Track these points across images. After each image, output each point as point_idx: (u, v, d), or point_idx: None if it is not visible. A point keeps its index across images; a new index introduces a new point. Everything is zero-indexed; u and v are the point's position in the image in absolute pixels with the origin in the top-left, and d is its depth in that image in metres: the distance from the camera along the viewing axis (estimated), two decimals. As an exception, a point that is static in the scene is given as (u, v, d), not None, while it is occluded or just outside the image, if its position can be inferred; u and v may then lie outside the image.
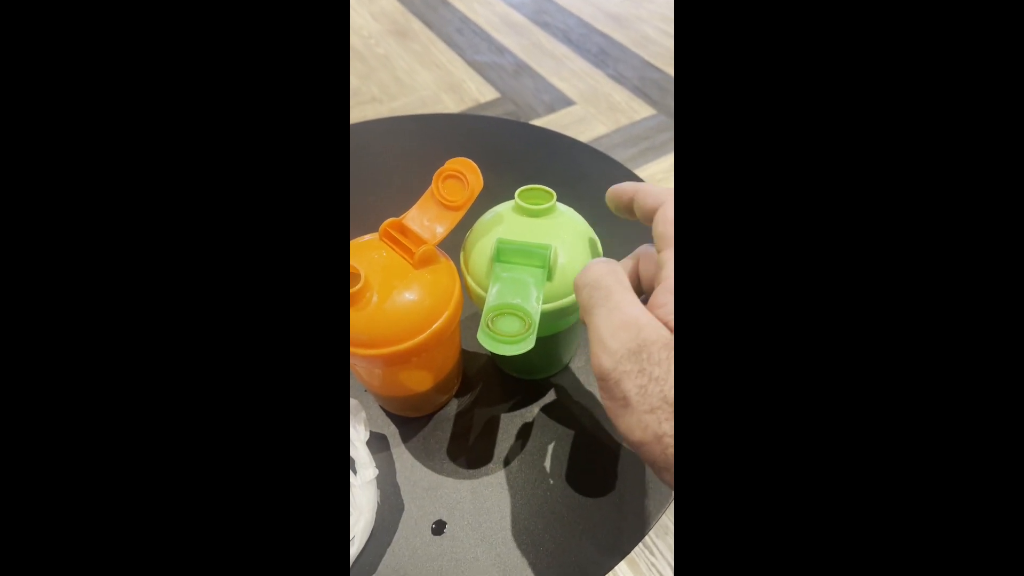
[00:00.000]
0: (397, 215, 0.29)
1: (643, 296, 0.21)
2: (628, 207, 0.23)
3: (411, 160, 0.53)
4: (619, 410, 0.18)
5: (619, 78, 1.06)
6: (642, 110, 0.97)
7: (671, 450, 0.16)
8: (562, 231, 0.29)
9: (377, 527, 0.30)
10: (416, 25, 1.22)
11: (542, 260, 0.27)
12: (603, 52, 1.12)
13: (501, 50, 1.14)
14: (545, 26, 1.20)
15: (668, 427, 0.16)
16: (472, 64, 1.12)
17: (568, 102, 1.03)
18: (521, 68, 1.10)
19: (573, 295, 0.28)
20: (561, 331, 0.32)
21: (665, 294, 0.19)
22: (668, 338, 0.17)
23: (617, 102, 1.01)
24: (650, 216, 0.22)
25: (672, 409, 0.16)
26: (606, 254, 0.30)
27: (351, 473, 0.30)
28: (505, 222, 0.29)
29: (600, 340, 0.18)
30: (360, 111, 1.04)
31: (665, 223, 0.21)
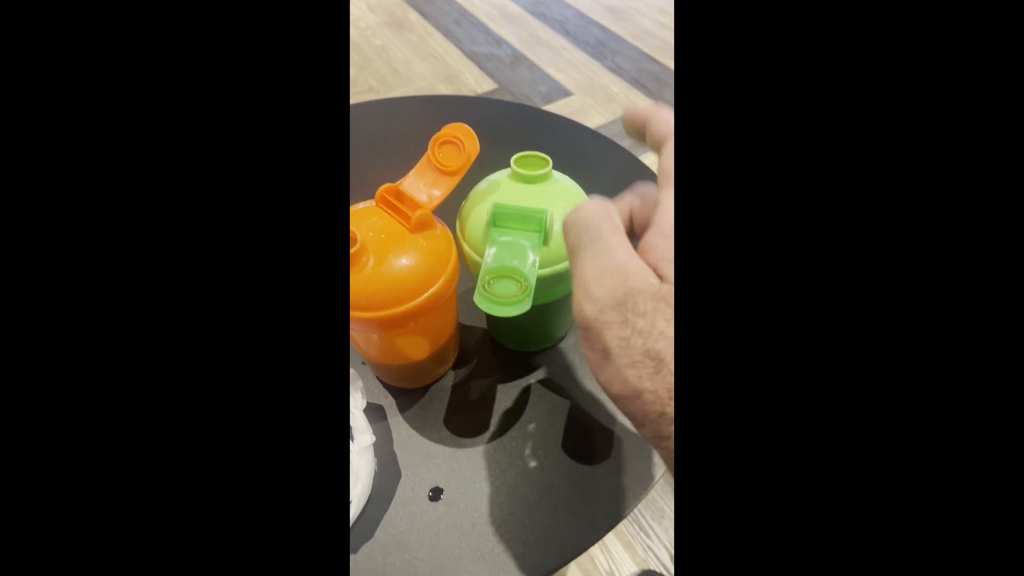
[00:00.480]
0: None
1: (635, 239, 0.19)
2: (642, 131, 0.21)
3: (409, 138, 0.53)
4: (600, 361, 0.17)
5: (617, 70, 1.07)
6: (640, 101, 0.97)
7: (651, 406, 0.15)
8: (558, 197, 0.29)
9: (375, 493, 0.30)
10: (413, 16, 1.23)
11: (538, 224, 0.27)
12: (601, 44, 1.13)
13: (498, 41, 1.14)
14: (542, 17, 1.21)
15: (649, 383, 0.15)
16: (469, 55, 1.13)
17: (565, 93, 1.03)
18: (518, 59, 1.11)
19: (568, 262, 0.29)
20: (555, 301, 0.32)
21: (657, 236, 0.17)
22: (656, 287, 0.16)
23: (615, 93, 1.01)
24: (659, 146, 0.20)
25: (654, 364, 0.15)
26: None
27: (350, 439, 0.30)
28: (501, 189, 0.29)
29: (584, 286, 0.17)
30: (356, 102, 1.04)
31: (670, 158, 0.19)
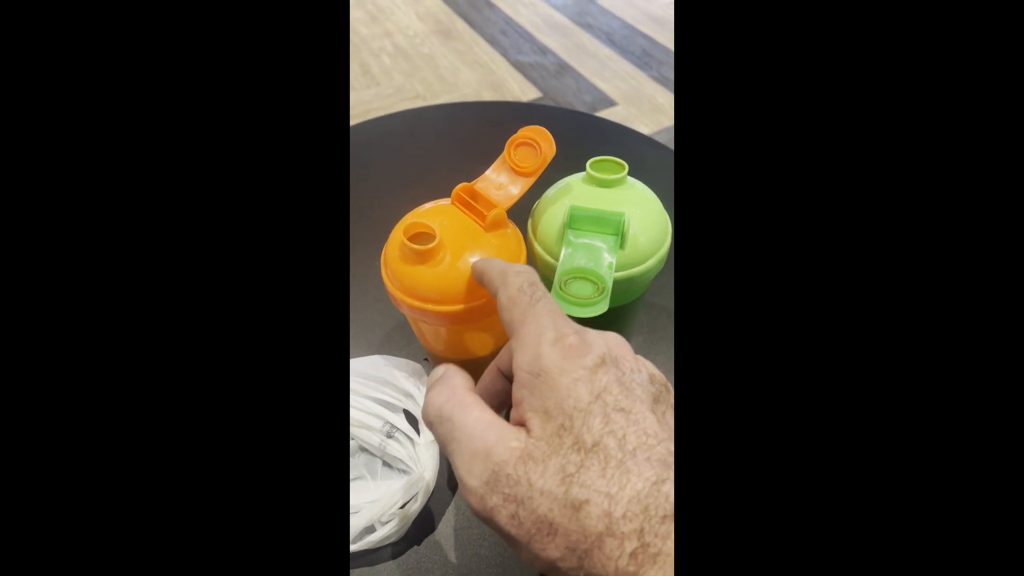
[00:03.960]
0: (445, 194, 0.29)
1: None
2: (481, 281, 0.23)
3: (469, 140, 0.54)
4: (512, 546, 0.16)
5: (662, 80, 1.06)
6: (684, 112, 0.96)
7: (571, 572, 0.15)
8: (633, 202, 0.29)
9: (439, 486, 0.30)
10: (460, 25, 1.25)
11: (615, 227, 0.27)
12: (646, 54, 1.13)
13: (544, 51, 1.15)
14: (588, 28, 1.21)
15: (554, 551, 0.15)
16: (515, 64, 1.14)
17: (610, 103, 1.03)
18: (563, 68, 1.11)
19: (642, 266, 0.29)
20: (624, 305, 0.32)
21: (518, 389, 0.17)
22: (521, 448, 0.16)
23: (660, 104, 1.01)
24: (495, 295, 0.20)
25: (548, 528, 0.15)
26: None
27: (416, 432, 0.30)
28: (575, 191, 0.29)
29: (461, 481, 0.17)
30: (403, 107, 1.06)
31: (501, 310, 0.19)
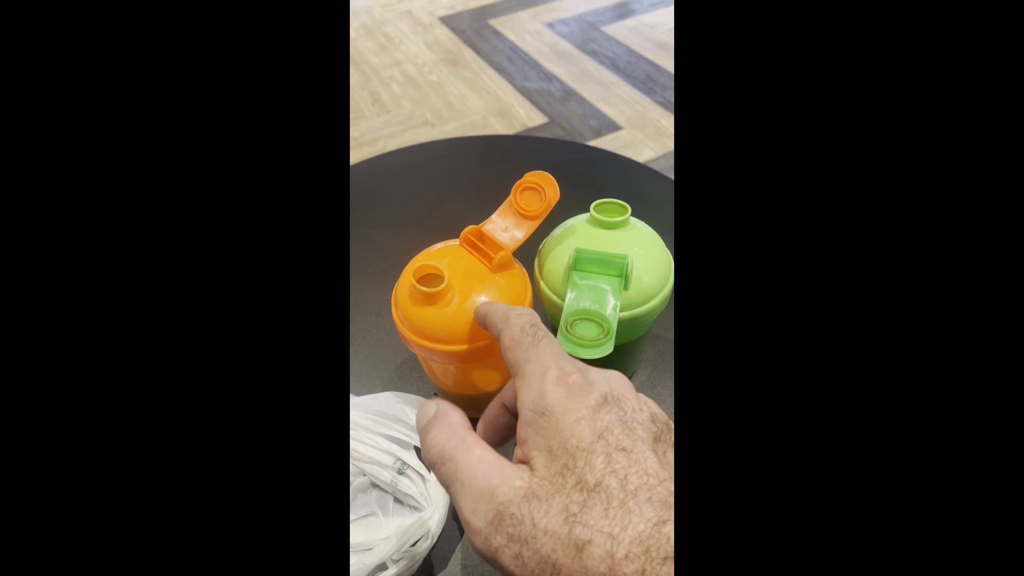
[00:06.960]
0: (454, 231, 0.30)
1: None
2: (484, 325, 0.24)
3: (475, 177, 0.56)
4: None
5: (667, 104, 1.08)
6: (689, 135, 0.98)
7: None
8: (637, 244, 0.30)
9: (450, 523, 0.30)
10: (468, 53, 1.28)
11: (619, 269, 0.28)
12: (650, 79, 1.15)
13: (550, 77, 1.18)
14: (593, 54, 1.24)
15: None
16: (521, 90, 1.16)
17: (615, 127, 1.05)
18: (569, 94, 1.13)
19: (646, 306, 0.29)
20: (628, 342, 0.33)
21: (523, 427, 0.18)
22: (525, 487, 0.16)
23: (665, 128, 1.02)
24: (497, 338, 0.21)
25: (551, 569, 0.15)
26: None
27: (428, 469, 0.31)
28: (579, 233, 0.30)
29: (465, 521, 0.17)
30: (413, 134, 1.09)
31: (504, 351, 0.20)
